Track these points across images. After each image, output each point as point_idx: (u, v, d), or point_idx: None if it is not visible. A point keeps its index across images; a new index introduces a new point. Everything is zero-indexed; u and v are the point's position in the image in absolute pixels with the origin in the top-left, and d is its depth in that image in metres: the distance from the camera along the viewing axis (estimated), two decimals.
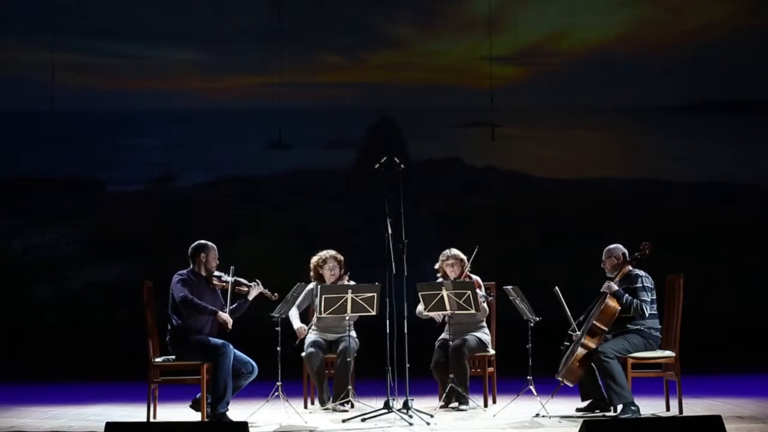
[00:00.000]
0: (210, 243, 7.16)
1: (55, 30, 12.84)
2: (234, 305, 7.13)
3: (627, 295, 6.97)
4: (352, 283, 7.71)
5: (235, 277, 7.13)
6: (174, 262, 11.69)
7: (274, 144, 13.11)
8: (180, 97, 13.09)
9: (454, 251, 7.74)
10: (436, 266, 7.82)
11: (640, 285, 7.00)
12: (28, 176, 12.99)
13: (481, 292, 7.54)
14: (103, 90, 13.11)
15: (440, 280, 7.72)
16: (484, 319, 7.76)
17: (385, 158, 7.32)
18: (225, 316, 6.97)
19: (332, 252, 7.88)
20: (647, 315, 6.97)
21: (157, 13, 13.14)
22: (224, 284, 7.10)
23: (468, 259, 7.68)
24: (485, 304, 7.58)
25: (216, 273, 7.12)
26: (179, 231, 12.49)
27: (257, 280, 7.17)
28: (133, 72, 13.26)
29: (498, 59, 12.92)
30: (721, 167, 12.40)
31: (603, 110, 12.62)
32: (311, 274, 7.94)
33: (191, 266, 7.11)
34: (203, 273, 7.09)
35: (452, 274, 7.67)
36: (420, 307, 7.56)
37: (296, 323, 7.79)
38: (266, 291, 7.17)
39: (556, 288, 7.19)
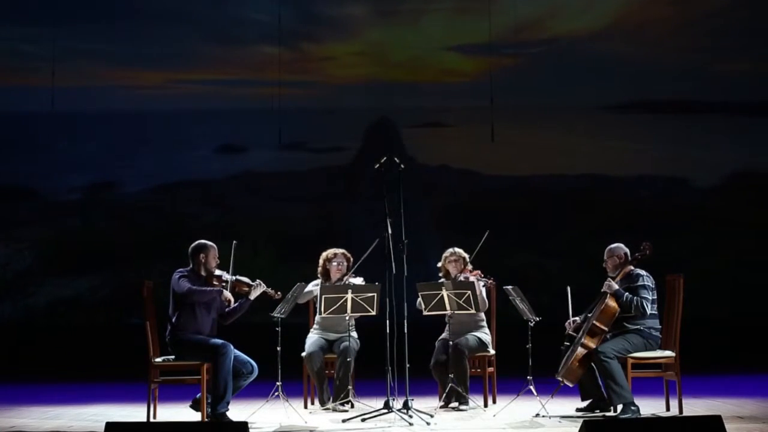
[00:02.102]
0: (210, 243, 7.15)
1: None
2: (235, 305, 7.13)
3: (627, 293, 6.97)
4: (359, 280, 7.73)
5: (236, 276, 7.12)
6: (146, 270, 11.71)
7: (224, 146, 12.88)
8: (111, 96, 12.73)
9: (458, 249, 7.77)
10: (439, 265, 7.83)
11: (641, 284, 7.00)
12: None
13: (482, 281, 7.54)
14: (36, 89, 12.70)
15: (441, 280, 7.73)
16: (485, 318, 7.76)
17: (385, 158, 7.32)
18: (227, 293, 6.98)
19: (342, 249, 7.96)
20: (648, 313, 6.96)
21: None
22: (224, 284, 7.09)
23: (478, 244, 7.67)
24: (484, 293, 7.57)
25: (216, 272, 7.11)
26: (140, 239, 12.45)
27: (259, 281, 7.16)
28: (65, 70, 12.80)
29: (457, 49, 12.87)
30: (662, 163, 12.60)
31: (561, 109, 12.60)
32: (319, 269, 7.97)
33: (191, 266, 7.11)
34: (203, 273, 7.09)
35: (454, 270, 7.68)
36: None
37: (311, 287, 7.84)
38: (269, 290, 7.16)
39: (567, 287, 7.23)
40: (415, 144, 12.73)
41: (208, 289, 6.97)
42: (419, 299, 7.55)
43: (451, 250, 7.80)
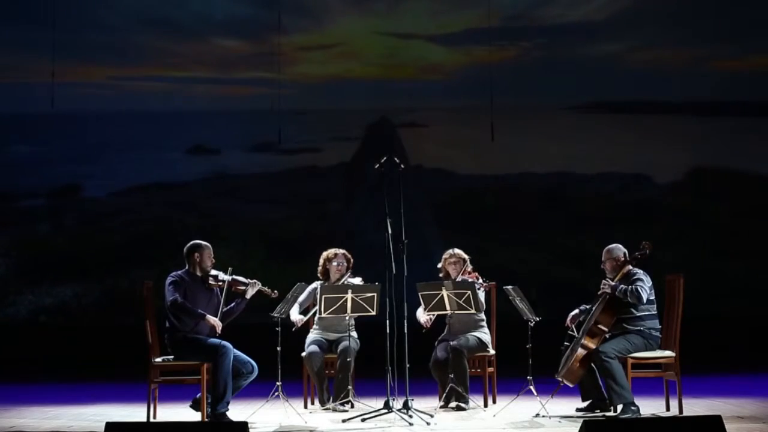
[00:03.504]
0: (204, 242, 7.14)
1: None
2: (232, 304, 7.12)
3: (622, 285, 6.97)
4: (358, 280, 7.73)
5: (232, 276, 7.11)
6: (130, 275, 11.59)
7: (196, 147, 12.58)
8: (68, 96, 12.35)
9: (457, 251, 7.75)
10: (439, 266, 7.82)
11: (637, 277, 7.00)
12: None
13: (479, 283, 7.54)
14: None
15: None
16: (485, 318, 7.76)
17: (385, 158, 7.33)
18: (213, 320, 6.92)
19: (343, 250, 7.96)
20: (644, 300, 6.92)
21: None
22: (221, 284, 7.09)
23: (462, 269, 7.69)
24: (482, 297, 7.57)
25: (212, 272, 7.10)
26: (117, 244, 12.18)
27: (255, 280, 7.15)
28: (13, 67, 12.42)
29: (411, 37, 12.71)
30: (620, 160, 12.68)
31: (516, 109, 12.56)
32: (319, 268, 7.97)
33: (186, 266, 7.10)
34: (198, 273, 7.08)
35: (454, 272, 7.68)
36: (419, 311, 7.57)
37: (294, 315, 7.77)
38: (265, 288, 7.15)
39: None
40: (394, 144, 12.55)
41: (192, 311, 6.90)
42: (418, 313, 7.55)
43: (450, 251, 7.78)
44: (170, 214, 12.50)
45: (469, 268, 7.74)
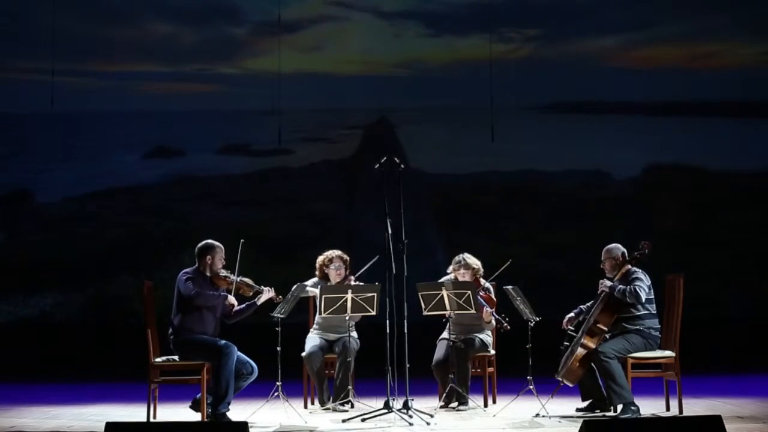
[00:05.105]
0: (217, 243, 7.15)
1: None
2: (242, 306, 7.13)
3: (620, 285, 6.97)
4: (359, 284, 7.71)
5: (240, 278, 7.11)
6: (114, 281, 11.39)
7: (157, 149, 12.11)
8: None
9: (468, 259, 7.64)
10: (449, 269, 7.76)
11: (635, 276, 7.00)
12: None
13: (496, 315, 7.47)
14: None
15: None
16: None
17: (385, 158, 7.32)
18: (232, 298, 6.98)
19: (338, 252, 7.88)
20: (642, 299, 6.93)
21: None
22: (230, 284, 7.10)
23: (499, 270, 7.59)
24: (493, 321, 7.54)
25: (222, 273, 7.11)
26: (88, 251, 11.75)
27: (270, 287, 7.15)
28: None
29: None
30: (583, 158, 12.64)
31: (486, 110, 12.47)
32: (317, 273, 7.93)
33: (196, 265, 7.10)
34: (208, 273, 7.08)
35: (462, 280, 7.62)
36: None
37: (310, 289, 7.71)
38: (274, 296, 7.17)
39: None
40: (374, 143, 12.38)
41: (213, 293, 6.96)
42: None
43: (460, 258, 7.66)
44: (139, 219, 12.04)
45: (482, 280, 7.62)
